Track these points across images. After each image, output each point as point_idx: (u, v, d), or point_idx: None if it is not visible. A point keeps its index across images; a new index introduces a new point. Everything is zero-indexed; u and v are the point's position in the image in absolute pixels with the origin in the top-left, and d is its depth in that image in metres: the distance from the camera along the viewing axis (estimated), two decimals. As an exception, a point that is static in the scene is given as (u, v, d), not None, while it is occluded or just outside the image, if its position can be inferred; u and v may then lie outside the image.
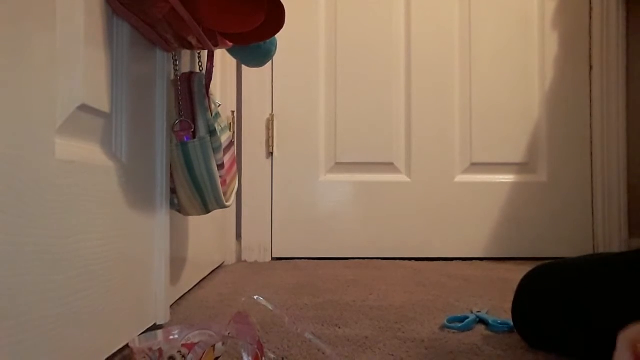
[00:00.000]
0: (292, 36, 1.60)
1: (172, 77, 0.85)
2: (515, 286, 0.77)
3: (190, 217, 1.02)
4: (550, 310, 0.70)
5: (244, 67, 1.56)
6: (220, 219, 1.39)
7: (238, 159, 1.57)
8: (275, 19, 0.79)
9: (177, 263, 0.96)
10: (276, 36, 0.90)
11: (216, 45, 0.82)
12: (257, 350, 0.56)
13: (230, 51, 0.98)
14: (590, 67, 1.68)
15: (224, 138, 0.89)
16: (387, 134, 1.67)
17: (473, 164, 1.68)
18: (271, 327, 0.82)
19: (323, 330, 0.83)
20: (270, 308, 0.60)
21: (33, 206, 0.46)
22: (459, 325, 0.83)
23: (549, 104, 1.68)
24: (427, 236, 1.66)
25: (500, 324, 0.82)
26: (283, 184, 1.66)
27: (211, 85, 0.88)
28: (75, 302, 0.54)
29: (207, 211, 0.89)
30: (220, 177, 0.86)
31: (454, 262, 1.59)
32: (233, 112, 1.56)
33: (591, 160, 1.68)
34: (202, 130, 0.83)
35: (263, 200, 1.64)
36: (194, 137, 0.82)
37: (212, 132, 0.84)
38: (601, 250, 1.64)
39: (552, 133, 1.68)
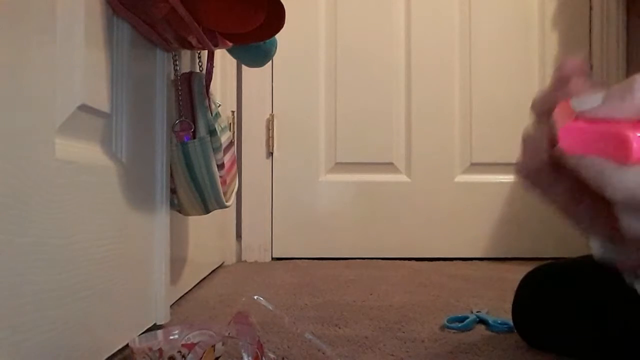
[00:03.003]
0: (292, 36, 1.60)
1: (172, 77, 0.84)
2: (515, 286, 0.77)
3: (190, 217, 1.02)
4: (550, 310, 0.70)
5: (244, 67, 1.56)
6: (220, 219, 1.39)
7: (238, 159, 1.57)
8: (275, 19, 0.79)
9: (177, 263, 0.96)
10: (276, 36, 0.90)
11: (216, 45, 0.81)
12: (257, 350, 0.56)
13: (230, 51, 0.97)
14: (591, 67, 1.68)
15: (224, 138, 0.89)
16: (387, 134, 1.67)
17: (473, 164, 1.68)
18: (271, 327, 0.82)
19: (323, 330, 0.83)
20: (270, 308, 0.60)
21: (33, 206, 0.46)
22: (459, 325, 0.83)
23: (549, 104, 1.68)
24: (427, 236, 1.66)
25: (500, 324, 0.82)
26: (283, 184, 1.66)
27: (211, 85, 0.88)
28: (75, 302, 0.54)
29: (207, 211, 0.89)
30: (220, 177, 0.86)
31: (454, 262, 1.59)
32: (233, 112, 1.56)
33: (591, 160, 1.68)
34: (202, 130, 0.83)
35: (263, 200, 1.64)
36: (194, 137, 0.82)
37: (212, 132, 0.84)
38: (601, 250, 1.64)
39: (552, 133, 1.68)
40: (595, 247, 0.38)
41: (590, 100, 0.30)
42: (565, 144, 0.29)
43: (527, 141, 0.37)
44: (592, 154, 0.28)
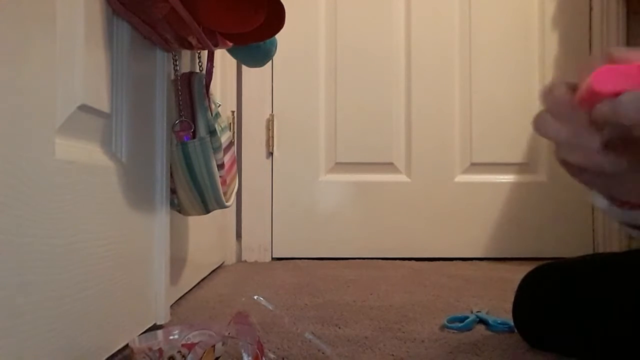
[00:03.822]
0: (292, 36, 1.60)
1: (172, 77, 0.85)
2: (515, 286, 0.77)
3: (190, 217, 1.02)
4: (551, 310, 0.70)
5: (244, 67, 1.56)
6: (220, 219, 1.39)
7: (238, 159, 1.57)
8: (275, 19, 0.79)
9: (177, 263, 0.96)
10: (276, 36, 0.90)
11: (216, 45, 0.82)
12: (257, 350, 0.56)
13: (230, 51, 0.98)
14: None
15: (224, 138, 0.89)
16: (387, 134, 1.67)
17: (473, 164, 1.68)
18: (271, 327, 0.82)
19: (323, 330, 0.83)
20: (270, 308, 0.60)
21: (33, 206, 0.46)
22: (459, 325, 0.83)
23: (549, 104, 1.67)
24: (427, 236, 1.66)
25: (500, 324, 0.82)
26: (283, 183, 1.66)
27: (211, 85, 0.88)
28: (75, 302, 0.54)
29: (207, 211, 0.89)
30: (220, 177, 0.86)
31: (454, 262, 1.59)
32: (233, 112, 1.56)
33: (591, 160, 1.68)
34: (202, 130, 0.83)
35: (263, 200, 1.64)
36: (194, 137, 0.82)
37: (212, 132, 0.84)
38: (601, 250, 1.64)
39: (552, 133, 1.67)
40: (599, 203, 0.43)
41: (631, 53, 0.34)
42: (599, 84, 0.33)
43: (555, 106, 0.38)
44: (626, 88, 0.33)
